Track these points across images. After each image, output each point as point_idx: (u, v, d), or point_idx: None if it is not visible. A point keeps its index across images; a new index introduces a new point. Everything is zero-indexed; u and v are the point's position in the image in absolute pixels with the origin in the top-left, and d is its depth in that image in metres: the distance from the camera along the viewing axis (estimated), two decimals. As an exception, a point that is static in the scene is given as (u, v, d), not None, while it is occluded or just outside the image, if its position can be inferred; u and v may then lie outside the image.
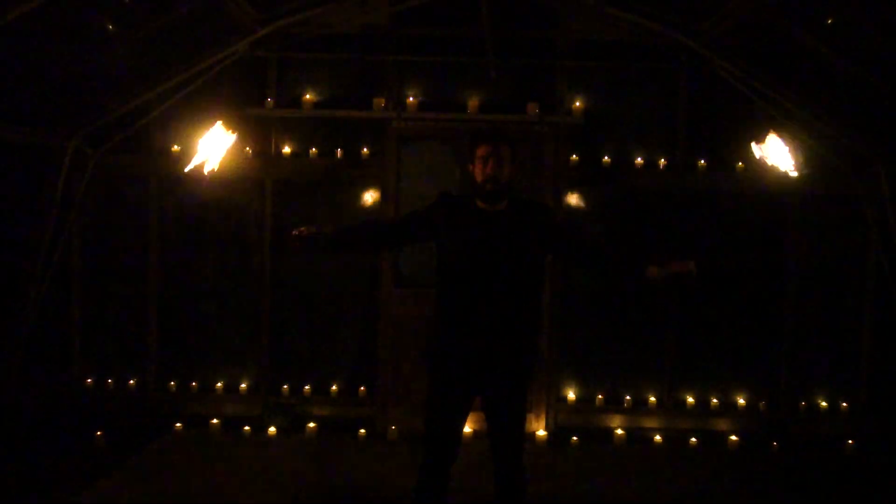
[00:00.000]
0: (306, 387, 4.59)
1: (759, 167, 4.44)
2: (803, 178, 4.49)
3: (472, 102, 4.49)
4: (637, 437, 4.46)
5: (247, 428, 4.35)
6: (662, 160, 4.54)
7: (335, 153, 4.55)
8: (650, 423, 4.57)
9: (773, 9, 3.67)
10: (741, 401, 4.58)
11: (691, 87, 4.53)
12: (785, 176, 4.52)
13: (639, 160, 4.53)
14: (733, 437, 4.36)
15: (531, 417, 4.44)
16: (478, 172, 2.56)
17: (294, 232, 2.57)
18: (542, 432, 4.40)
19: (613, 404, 4.59)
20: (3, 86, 3.67)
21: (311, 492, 3.53)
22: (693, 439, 4.35)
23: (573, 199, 4.61)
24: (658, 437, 4.39)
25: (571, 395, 4.61)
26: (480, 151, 2.54)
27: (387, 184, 4.51)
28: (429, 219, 2.61)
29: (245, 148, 4.57)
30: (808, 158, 4.18)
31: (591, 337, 4.63)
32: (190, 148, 3.65)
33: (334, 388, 4.60)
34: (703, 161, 4.53)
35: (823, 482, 3.86)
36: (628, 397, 4.58)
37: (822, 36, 3.69)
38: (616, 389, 4.62)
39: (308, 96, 4.51)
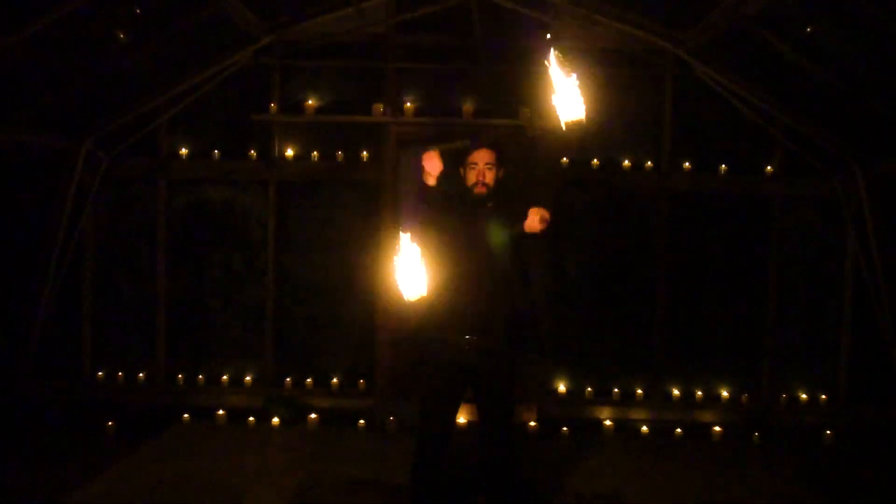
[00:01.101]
0: (308, 379, 4.79)
1: (741, 168, 4.67)
2: (784, 178, 4.71)
3: (467, 107, 4.69)
4: (625, 428, 4.65)
5: (251, 419, 4.55)
6: (649, 162, 4.74)
7: (336, 156, 4.76)
8: (637, 414, 4.76)
9: (752, 19, 3.87)
10: (724, 393, 4.77)
11: (676, 92, 4.73)
12: (766, 177, 4.74)
13: (626, 162, 4.73)
14: (717, 428, 4.55)
15: (522, 409, 4.63)
16: (468, 177, 2.77)
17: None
18: (533, 423, 4.59)
19: (602, 397, 4.79)
20: (18, 91, 3.89)
21: (311, 481, 3.73)
22: (678, 430, 4.54)
23: (565, 200, 4.80)
24: (645, 429, 4.58)
25: (562, 387, 4.80)
26: (470, 158, 2.76)
27: (385, 186, 4.72)
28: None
29: (250, 151, 4.79)
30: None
31: (582, 332, 4.83)
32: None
33: (335, 380, 4.81)
34: (687, 163, 4.73)
35: (802, 471, 4.04)
36: (616, 390, 4.78)
37: (800, 44, 3.89)
38: (605, 382, 4.82)
39: (310, 102, 4.72)
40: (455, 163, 2.89)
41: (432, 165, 2.69)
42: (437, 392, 2.77)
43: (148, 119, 4.65)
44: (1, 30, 3.20)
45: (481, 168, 2.75)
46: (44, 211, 4.64)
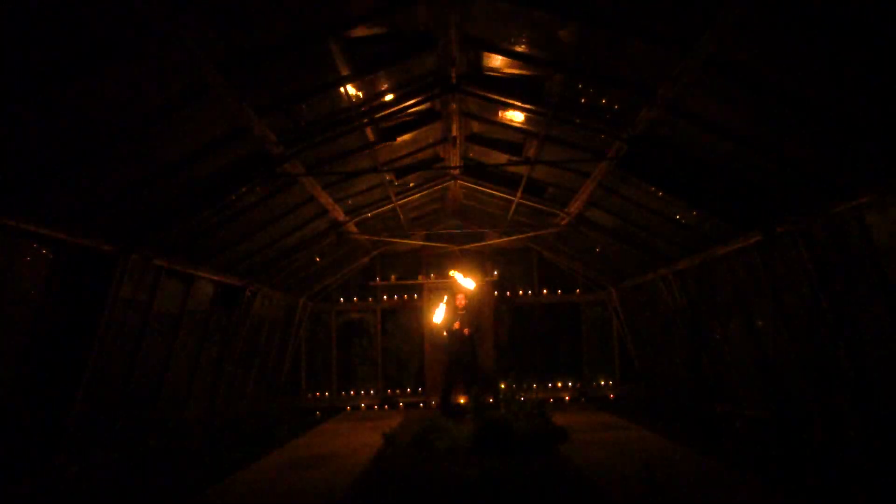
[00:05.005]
0: (398, 390, 11.51)
1: (569, 291, 11.63)
2: (584, 294, 11.66)
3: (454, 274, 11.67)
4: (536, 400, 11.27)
5: (375, 408, 11.22)
6: (530, 291, 11.66)
7: (404, 297, 11.70)
8: (541, 395, 11.37)
9: (573, 226, 10.88)
10: (569, 384, 11.44)
11: (538, 262, 11.71)
12: (577, 294, 11.70)
13: (521, 292, 11.66)
14: (567, 398, 11.16)
15: (488, 398, 11.28)
16: (458, 301, 9.74)
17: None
18: (492, 401, 11.23)
19: (523, 388, 11.43)
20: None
21: (403, 422, 10.37)
22: (551, 399, 11.15)
23: (499, 309, 11.66)
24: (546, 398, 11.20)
25: (503, 386, 11.48)
26: (456, 295, 9.74)
27: (423, 308, 11.62)
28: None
29: (369, 298, 11.77)
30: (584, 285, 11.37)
31: (512, 362, 11.56)
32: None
33: (409, 389, 11.53)
34: (545, 290, 11.64)
35: (602, 409, 10.64)
36: (525, 385, 11.45)
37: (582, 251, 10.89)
38: (524, 383, 11.48)
39: (392, 276, 11.73)
40: (451, 297, 9.84)
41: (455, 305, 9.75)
42: (451, 365, 9.59)
43: (326, 287, 11.63)
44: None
45: (461, 298, 9.68)
46: (286, 332, 11.51)
